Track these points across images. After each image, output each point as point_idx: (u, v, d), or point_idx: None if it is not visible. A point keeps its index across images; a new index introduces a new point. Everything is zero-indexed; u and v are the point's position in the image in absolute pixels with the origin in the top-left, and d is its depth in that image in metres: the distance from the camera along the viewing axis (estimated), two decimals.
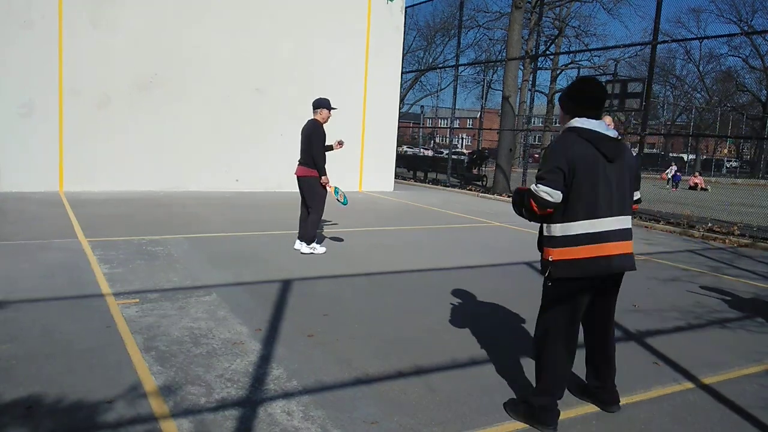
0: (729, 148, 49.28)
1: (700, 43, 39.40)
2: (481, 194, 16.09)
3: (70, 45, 11.44)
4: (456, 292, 5.54)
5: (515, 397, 3.33)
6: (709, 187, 24.44)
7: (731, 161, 44.04)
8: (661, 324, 4.93)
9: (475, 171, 19.69)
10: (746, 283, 6.78)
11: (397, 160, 16.67)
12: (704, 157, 42.70)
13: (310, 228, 6.88)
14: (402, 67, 16.49)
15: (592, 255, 2.88)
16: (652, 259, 7.86)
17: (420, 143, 33.48)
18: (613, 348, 3.21)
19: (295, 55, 13.81)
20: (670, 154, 40.68)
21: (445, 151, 23.24)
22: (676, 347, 4.36)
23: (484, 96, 26.67)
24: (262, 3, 13.34)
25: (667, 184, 25.07)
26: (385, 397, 3.26)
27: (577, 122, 2.95)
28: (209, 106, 12.96)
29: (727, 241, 9.91)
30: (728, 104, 42.28)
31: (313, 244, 6.96)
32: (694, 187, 23.88)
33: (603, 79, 17.66)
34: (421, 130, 38.51)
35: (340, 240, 7.75)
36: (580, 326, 3.17)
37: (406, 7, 16.26)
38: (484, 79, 28.58)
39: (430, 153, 27.02)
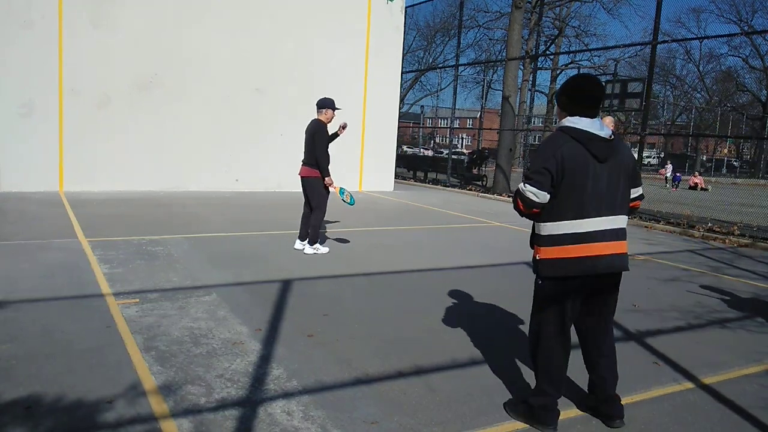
0: (729, 148, 49.28)
1: (700, 43, 39.44)
2: (481, 194, 16.09)
3: (70, 45, 11.44)
4: (456, 292, 5.54)
5: (515, 397, 3.32)
6: (709, 186, 24.45)
7: (732, 161, 44.08)
8: (661, 324, 4.93)
9: (475, 171, 19.70)
10: (746, 283, 6.78)
11: (397, 160, 16.67)
12: (704, 156, 42.74)
13: (313, 229, 6.88)
14: (402, 67, 16.50)
15: (578, 255, 2.87)
16: (652, 259, 7.87)
17: (420, 143, 33.47)
18: (612, 351, 3.12)
19: (295, 55, 13.81)
20: (688, 154, 40.66)
21: (445, 151, 23.25)
22: (676, 347, 4.36)
23: (484, 96, 26.72)
24: (262, 3, 13.34)
25: (666, 183, 25.07)
26: (385, 397, 3.26)
27: (569, 122, 2.92)
28: (209, 106, 12.97)
29: (727, 241, 9.91)
30: (728, 104, 42.28)
31: (317, 245, 6.96)
32: (694, 187, 23.89)
33: (603, 79, 17.66)
34: (421, 130, 38.52)
35: (346, 241, 7.72)
36: (580, 327, 3.16)
37: (406, 7, 16.27)
38: (484, 79, 28.63)
39: (430, 153, 27.03)
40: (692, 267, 7.55)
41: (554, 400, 3.02)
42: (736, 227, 10.58)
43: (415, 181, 19.58)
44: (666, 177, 25.51)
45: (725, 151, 49.20)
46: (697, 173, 26.87)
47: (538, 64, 26.51)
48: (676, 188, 24.01)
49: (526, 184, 2.88)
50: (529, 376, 3.56)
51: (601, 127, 2.90)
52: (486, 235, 9.37)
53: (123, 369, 3.42)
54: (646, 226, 11.11)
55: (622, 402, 3.12)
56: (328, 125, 6.85)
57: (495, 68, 30.76)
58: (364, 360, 3.77)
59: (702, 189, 23.69)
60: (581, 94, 2.94)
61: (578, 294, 2.98)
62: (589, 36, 32.25)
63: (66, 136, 11.61)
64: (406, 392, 3.33)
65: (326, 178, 6.73)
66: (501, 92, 17.69)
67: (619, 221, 2.94)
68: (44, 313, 4.32)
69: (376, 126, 15.17)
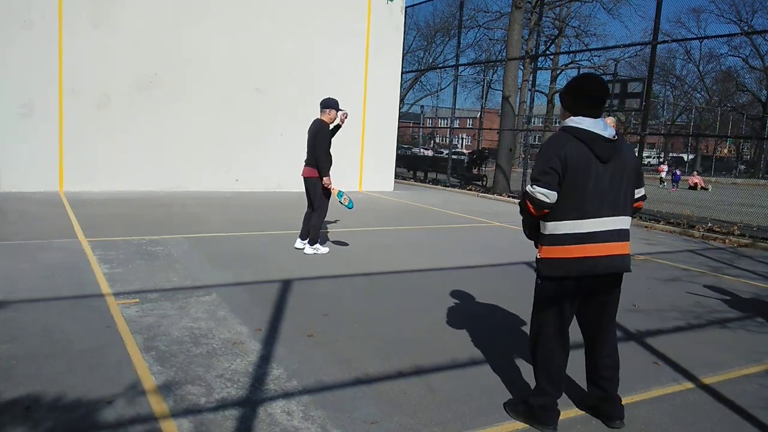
0: (729, 148, 49.27)
1: (700, 43, 39.47)
2: (481, 194, 16.09)
3: (70, 45, 11.44)
4: (456, 292, 5.54)
5: (515, 397, 3.32)
6: (709, 186, 24.46)
7: (732, 160, 44.13)
8: (661, 324, 4.93)
9: (475, 171, 19.71)
10: (746, 283, 6.78)
11: (397, 160, 16.67)
12: (704, 153, 42.77)
13: (314, 229, 6.88)
14: (402, 67, 16.49)
15: (578, 255, 2.87)
16: (652, 259, 7.86)
17: (420, 143, 33.47)
18: (615, 352, 3.11)
19: (295, 55, 13.81)
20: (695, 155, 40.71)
21: (445, 151, 23.25)
22: (676, 347, 4.36)
23: (484, 96, 26.69)
24: (262, 3, 13.34)
25: (662, 183, 25.09)
26: (385, 397, 3.26)
27: (572, 121, 2.92)
28: (209, 106, 12.97)
29: (727, 241, 9.91)
30: (728, 104, 42.29)
31: (317, 245, 6.96)
32: (694, 187, 23.90)
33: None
34: (421, 130, 38.52)
35: (346, 245, 7.70)
36: (578, 328, 3.16)
37: (406, 7, 16.27)
38: (484, 79, 28.61)
39: (430, 153, 27.03)
40: (692, 267, 7.55)
41: (554, 399, 3.02)
42: (736, 227, 10.58)
43: (415, 181, 19.58)
44: (661, 177, 25.55)
45: (725, 151, 49.20)
46: (696, 173, 26.90)
47: (538, 64, 26.48)
48: (676, 188, 24.02)
49: (535, 186, 2.86)
50: (529, 375, 3.55)
51: (605, 127, 2.89)
52: (486, 235, 9.37)
53: (123, 369, 3.42)
54: (646, 226, 11.11)
55: (622, 402, 3.12)
56: (330, 126, 6.85)
57: (495, 68, 30.77)
58: (364, 360, 3.76)
59: (702, 188, 23.72)
60: (585, 94, 2.93)
61: (577, 294, 2.97)
62: (589, 36, 32.29)
63: (66, 136, 11.61)
64: (406, 392, 3.33)
65: (324, 179, 6.71)
66: (501, 92, 17.70)
67: (622, 222, 2.94)
68: (44, 313, 4.32)
69: (376, 126, 15.17)
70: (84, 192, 11.48)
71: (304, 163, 6.88)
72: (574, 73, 33.03)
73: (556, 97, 34.71)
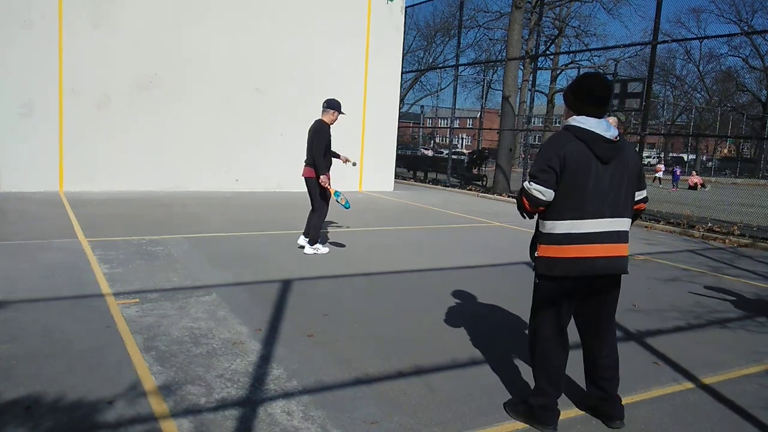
0: (729, 148, 49.27)
1: (700, 43, 39.49)
2: (481, 194, 16.09)
3: (70, 45, 11.44)
4: (456, 293, 5.54)
5: (515, 397, 3.32)
6: (708, 186, 24.49)
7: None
8: (661, 324, 4.93)
9: (475, 171, 19.70)
10: (746, 283, 6.78)
11: (397, 160, 16.67)
12: (704, 156, 42.78)
13: (314, 229, 6.88)
14: (402, 67, 16.50)
15: (575, 255, 2.86)
16: (652, 259, 7.86)
17: (420, 143, 33.48)
18: (614, 352, 3.10)
19: (295, 55, 13.81)
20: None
21: (445, 151, 23.25)
22: (676, 347, 4.36)
23: (484, 96, 26.70)
24: (262, 3, 13.34)
25: (660, 183, 25.12)
26: (385, 397, 3.26)
27: (574, 121, 2.91)
28: (209, 106, 12.97)
29: (727, 241, 9.91)
30: (728, 104, 42.29)
31: (317, 245, 6.96)
32: (694, 187, 23.91)
33: None
34: (421, 130, 38.51)
35: (343, 246, 7.71)
36: (579, 327, 3.16)
37: (406, 7, 16.27)
38: (484, 79, 28.61)
39: (429, 153, 27.04)
40: (692, 267, 7.55)
41: (554, 399, 3.02)
42: (736, 227, 10.58)
43: (415, 181, 19.58)
44: (656, 176, 25.57)
45: (725, 151, 49.20)
46: (695, 173, 26.94)
47: (538, 64, 26.48)
48: (675, 188, 24.04)
49: (532, 183, 2.88)
50: (528, 375, 3.55)
51: (608, 127, 2.87)
52: (486, 235, 9.36)
53: (123, 369, 3.42)
54: (646, 226, 11.10)
55: (622, 402, 3.12)
56: (332, 126, 6.86)
57: (495, 68, 30.76)
58: (364, 360, 3.76)
59: (701, 186, 23.82)
60: (588, 94, 2.91)
61: (575, 294, 2.97)
62: (589, 36, 32.30)
63: (66, 136, 11.61)
64: (406, 392, 3.33)
65: (321, 177, 6.70)
66: (501, 92, 17.70)
67: (620, 224, 2.92)
68: (44, 313, 4.32)
69: (376, 126, 15.17)
70: (84, 192, 11.48)
71: (304, 164, 6.88)
72: (574, 73, 33.09)
73: (556, 97, 34.77)
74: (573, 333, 3.18)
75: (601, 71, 26.11)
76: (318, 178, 6.71)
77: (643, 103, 12.50)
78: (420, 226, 9.85)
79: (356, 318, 4.63)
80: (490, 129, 25.26)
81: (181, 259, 6.31)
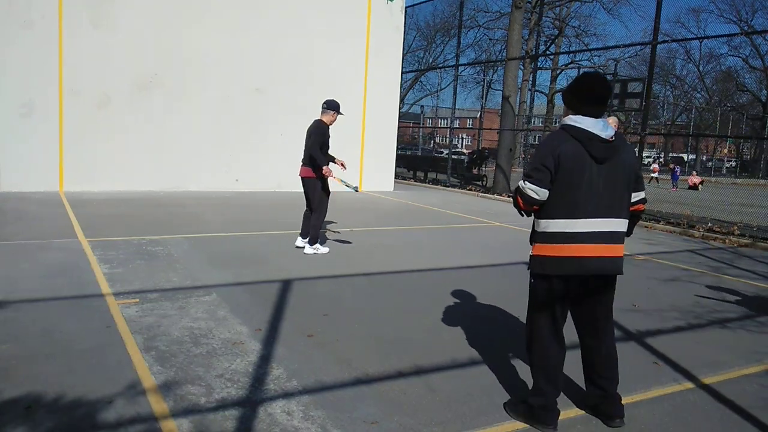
0: (729, 148, 49.27)
1: (700, 43, 39.52)
2: (481, 194, 16.09)
3: (70, 45, 11.44)
4: (456, 292, 5.54)
5: (515, 396, 3.32)
6: (699, 187, 24.48)
7: (731, 161, 44.15)
8: (661, 324, 4.93)
9: (475, 171, 19.70)
10: (746, 283, 6.78)
11: (397, 160, 16.67)
12: (705, 157, 42.80)
13: (314, 229, 6.88)
14: (402, 67, 16.50)
15: (567, 254, 2.87)
16: (652, 259, 7.86)
17: (420, 143, 33.50)
18: (612, 351, 3.09)
19: (295, 55, 13.81)
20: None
21: (445, 151, 23.24)
22: (676, 347, 4.36)
23: (484, 96, 26.72)
24: (262, 3, 13.34)
25: (658, 182, 25.13)
26: (385, 397, 3.26)
27: (571, 120, 2.90)
28: (209, 106, 12.97)
29: (727, 241, 9.91)
30: (728, 104, 42.29)
31: (317, 245, 6.96)
32: (694, 187, 23.91)
33: None
34: (421, 130, 38.53)
35: (348, 242, 7.71)
36: (576, 327, 3.16)
37: (406, 7, 16.27)
38: (484, 79, 28.60)
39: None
40: (692, 267, 7.55)
41: (553, 399, 3.02)
42: (736, 227, 10.58)
43: (415, 181, 19.58)
44: (653, 176, 25.59)
45: (725, 151, 49.21)
46: (695, 173, 26.94)
47: (538, 64, 26.52)
48: (675, 188, 24.04)
49: (526, 182, 2.89)
50: (528, 375, 3.55)
51: (605, 127, 2.85)
52: (486, 235, 9.36)
53: (123, 369, 3.42)
54: (646, 226, 11.10)
55: (622, 401, 3.11)
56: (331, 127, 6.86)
57: (495, 68, 30.73)
58: (364, 360, 3.76)
59: (700, 184, 23.88)
60: (587, 93, 2.90)
61: (568, 294, 2.98)
62: (589, 36, 32.31)
63: (66, 136, 11.61)
64: (406, 392, 3.33)
65: (323, 168, 6.66)
66: (501, 92, 17.70)
67: (615, 224, 2.91)
68: (44, 313, 4.32)
69: (376, 126, 15.17)
70: (84, 192, 11.48)
71: (301, 163, 6.88)
72: (574, 73, 33.06)
73: (556, 97, 34.73)
74: (571, 332, 3.18)
75: (601, 71, 26.14)
76: (317, 175, 6.71)
77: (643, 103, 12.50)
78: (420, 226, 9.85)
79: (356, 318, 4.63)
80: (490, 129, 25.26)
81: (181, 259, 6.31)
